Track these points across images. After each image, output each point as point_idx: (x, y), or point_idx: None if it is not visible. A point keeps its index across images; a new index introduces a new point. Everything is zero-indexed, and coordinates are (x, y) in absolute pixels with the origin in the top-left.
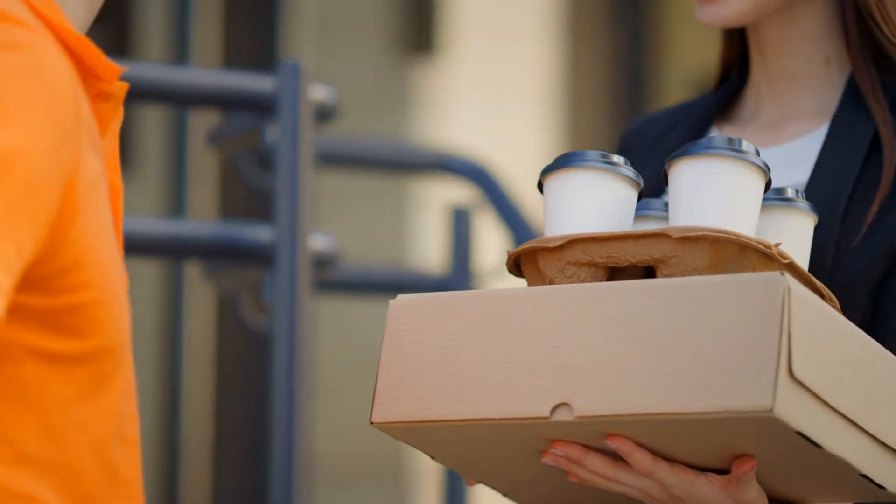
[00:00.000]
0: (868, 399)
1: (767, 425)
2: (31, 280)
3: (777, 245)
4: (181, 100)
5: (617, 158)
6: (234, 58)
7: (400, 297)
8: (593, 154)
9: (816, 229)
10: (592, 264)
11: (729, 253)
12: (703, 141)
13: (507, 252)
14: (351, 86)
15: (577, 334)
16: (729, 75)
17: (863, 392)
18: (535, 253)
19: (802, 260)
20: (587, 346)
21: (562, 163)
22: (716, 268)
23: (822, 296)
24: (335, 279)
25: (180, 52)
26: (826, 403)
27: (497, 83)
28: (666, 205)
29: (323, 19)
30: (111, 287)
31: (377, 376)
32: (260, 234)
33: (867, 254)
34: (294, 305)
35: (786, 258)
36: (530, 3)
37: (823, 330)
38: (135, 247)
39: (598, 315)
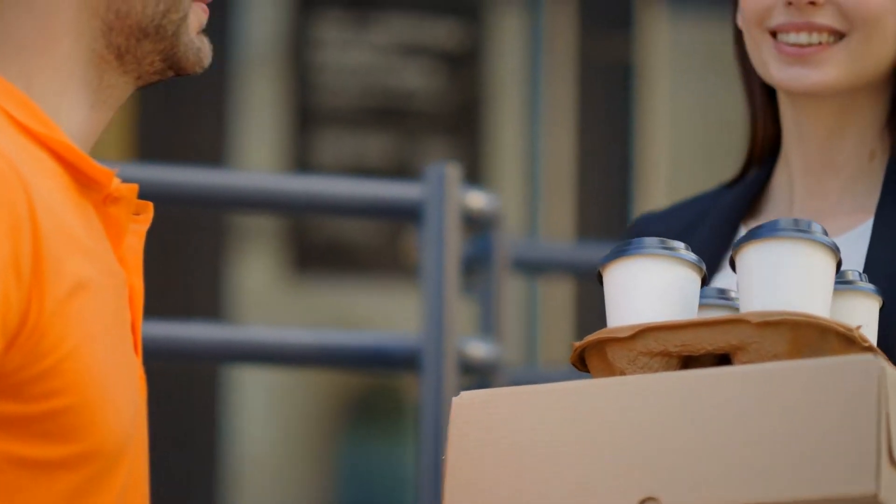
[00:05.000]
0: None
1: None
2: (6, 388)
3: (858, 328)
4: (333, 209)
5: (676, 244)
6: (586, 185)
7: (463, 393)
8: (651, 241)
9: (881, 311)
10: (665, 354)
11: (809, 337)
12: (768, 224)
13: (573, 344)
14: None
15: (662, 426)
16: (751, 165)
17: None
18: (602, 344)
19: (873, 342)
20: (674, 437)
21: (620, 252)
22: (796, 352)
23: None
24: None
25: (532, 184)
26: None
27: None
28: (720, 292)
29: (677, 157)
30: (97, 391)
31: (444, 476)
32: (408, 340)
33: None
34: (439, 413)
35: (865, 341)
36: None
37: None
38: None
39: (683, 405)
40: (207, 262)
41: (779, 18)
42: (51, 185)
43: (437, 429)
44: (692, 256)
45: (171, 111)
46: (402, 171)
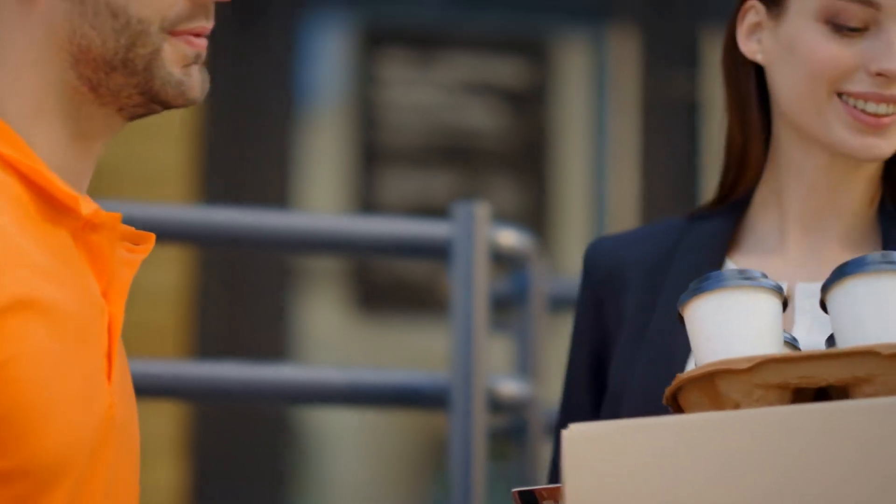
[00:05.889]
0: None
1: None
2: None
3: None
4: (362, 249)
5: (754, 272)
6: (653, 223)
7: (573, 426)
8: (731, 272)
9: None
10: (782, 386)
11: None
12: (856, 260)
13: (678, 376)
14: None
15: (793, 459)
16: (732, 194)
17: None
18: (712, 377)
19: None
20: (805, 471)
21: (701, 288)
22: None
23: None
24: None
25: (598, 222)
26: None
27: None
28: None
29: None
30: (31, 409)
31: None
32: (437, 378)
33: None
34: (468, 451)
35: None
36: None
37: None
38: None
39: (815, 438)
40: (272, 303)
41: (859, 86)
42: (4, 204)
43: (467, 467)
44: (771, 283)
45: (235, 152)
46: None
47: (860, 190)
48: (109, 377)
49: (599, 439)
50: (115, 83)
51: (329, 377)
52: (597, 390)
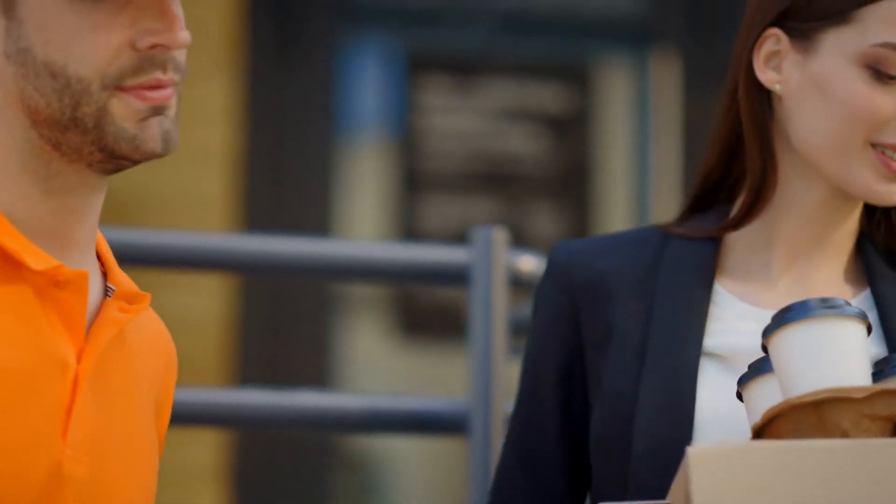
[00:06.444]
0: None
1: None
2: None
3: None
4: (381, 275)
5: (838, 300)
6: None
7: (698, 444)
8: (815, 302)
9: None
10: (887, 418)
11: None
12: None
13: (786, 401)
14: None
15: None
16: (748, 218)
17: None
18: (818, 404)
19: None
20: None
21: (787, 318)
22: None
23: None
24: None
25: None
26: None
27: None
28: None
29: None
30: None
31: None
32: (456, 404)
33: None
34: (488, 478)
35: None
36: None
37: None
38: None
39: None
40: (313, 331)
41: (894, 137)
42: None
43: (486, 492)
44: (856, 310)
45: (276, 180)
46: (509, 236)
47: (848, 224)
48: (65, 434)
49: (725, 459)
50: (73, 141)
51: (348, 404)
52: (563, 397)
